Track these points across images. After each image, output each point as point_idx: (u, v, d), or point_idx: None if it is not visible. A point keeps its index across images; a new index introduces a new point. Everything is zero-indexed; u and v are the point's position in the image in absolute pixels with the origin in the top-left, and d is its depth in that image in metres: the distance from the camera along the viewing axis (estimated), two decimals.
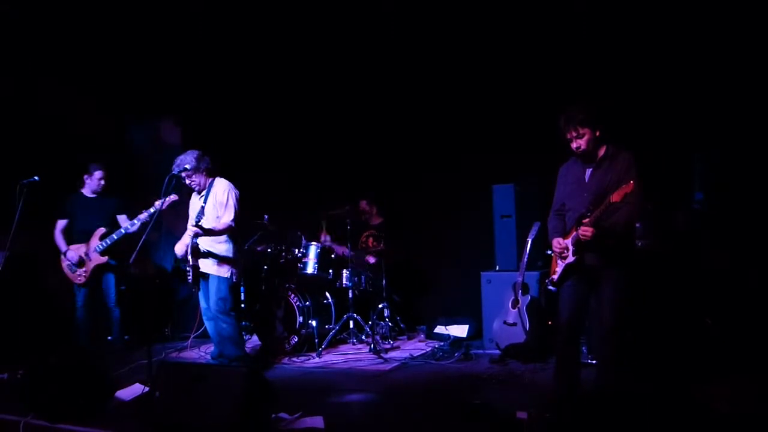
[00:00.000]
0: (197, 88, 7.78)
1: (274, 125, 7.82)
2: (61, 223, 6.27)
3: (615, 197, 3.62)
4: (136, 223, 5.95)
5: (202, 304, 5.46)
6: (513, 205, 6.10)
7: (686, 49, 5.61)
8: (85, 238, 6.21)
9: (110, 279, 6.30)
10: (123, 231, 6.07)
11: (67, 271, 6.17)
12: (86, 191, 6.38)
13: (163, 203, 5.38)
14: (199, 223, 5.15)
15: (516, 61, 6.45)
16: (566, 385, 4.02)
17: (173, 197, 5.60)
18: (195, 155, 5.32)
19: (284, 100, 7.70)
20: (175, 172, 5.17)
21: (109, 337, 6.55)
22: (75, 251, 6.15)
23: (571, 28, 6.03)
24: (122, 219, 6.33)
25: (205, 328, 5.59)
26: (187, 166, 5.24)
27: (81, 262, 6.12)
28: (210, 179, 5.45)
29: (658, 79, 5.74)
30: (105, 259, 6.14)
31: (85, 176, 6.36)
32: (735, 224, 5.32)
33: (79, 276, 6.14)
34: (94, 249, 6.13)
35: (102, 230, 6.18)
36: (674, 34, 5.64)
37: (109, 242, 6.11)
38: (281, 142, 7.76)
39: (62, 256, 6.19)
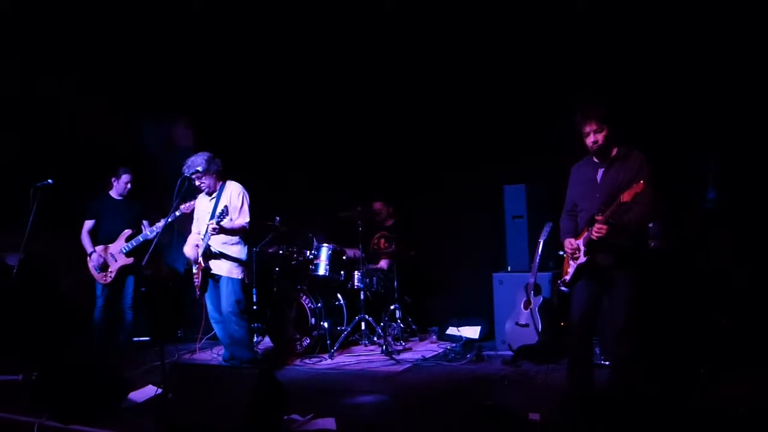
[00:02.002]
0: (209, 89, 7.79)
1: (286, 126, 7.82)
2: (88, 224, 6.33)
3: (626, 197, 3.63)
4: (160, 226, 5.94)
5: (209, 307, 5.47)
6: (524, 205, 6.07)
7: (701, 49, 5.56)
8: (110, 240, 6.26)
9: (130, 280, 6.35)
10: (147, 235, 6.10)
11: (93, 271, 6.22)
12: (113, 193, 6.44)
13: (189, 207, 5.45)
14: (221, 223, 5.12)
15: (527, 63, 6.42)
16: (579, 386, 4.00)
17: (193, 202, 5.62)
18: (206, 157, 5.31)
19: (296, 100, 7.70)
20: (186, 174, 5.13)
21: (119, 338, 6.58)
22: (99, 254, 6.20)
23: (582, 28, 6.00)
24: (145, 224, 6.39)
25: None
26: (199, 168, 5.23)
27: (105, 266, 6.17)
28: (220, 182, 5.46)
29: (672, 79, 5.70)
30: (131, 260, 6.18)
31: (113, 179, 6.41)
32: (748, 223, 5.28)
33: (106, 276, 6.19)
34: (120, 250, 6.18)
35: (128, 232, 6.24)
36: (687, 35, 5.59)
37: (134, 244, 6.15)
38: (293, 143, 7.76)
39: (88, 257, 6.24)
